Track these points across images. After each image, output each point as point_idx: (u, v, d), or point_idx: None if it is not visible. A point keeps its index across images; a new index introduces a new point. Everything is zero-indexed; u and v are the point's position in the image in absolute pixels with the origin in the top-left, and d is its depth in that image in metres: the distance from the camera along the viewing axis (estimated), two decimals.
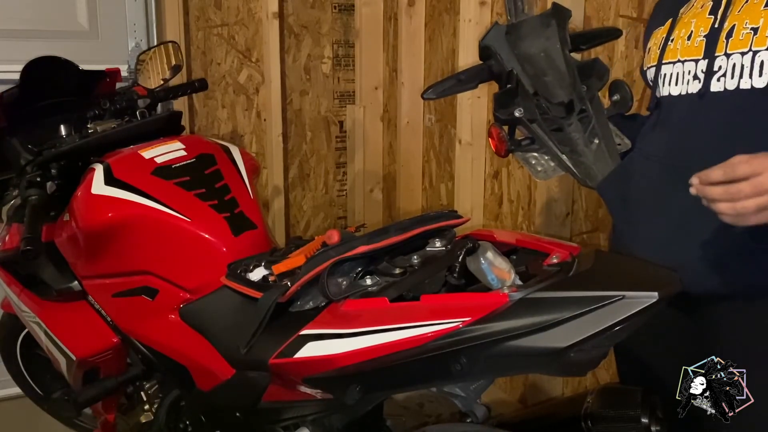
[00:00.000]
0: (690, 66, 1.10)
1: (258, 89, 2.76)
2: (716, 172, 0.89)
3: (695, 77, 1.08)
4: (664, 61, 1.15)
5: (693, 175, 1.04)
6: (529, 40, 1.00)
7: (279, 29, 2.69)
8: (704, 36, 1.08)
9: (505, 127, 1.09)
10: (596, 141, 1.01)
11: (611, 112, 1.08)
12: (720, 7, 1.07)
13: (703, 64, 1.07)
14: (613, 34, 1.06)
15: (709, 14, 1.09)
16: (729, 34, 1.04)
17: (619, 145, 1.07)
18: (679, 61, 1.12)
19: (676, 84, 1.13)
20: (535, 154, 1.08)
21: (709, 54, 1.06)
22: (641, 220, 1.17)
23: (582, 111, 1.01)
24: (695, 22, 1.11)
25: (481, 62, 1.09)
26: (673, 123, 1.13)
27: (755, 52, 1.00)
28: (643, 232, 1.16)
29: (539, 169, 1.09)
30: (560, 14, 1.00)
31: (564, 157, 1.03)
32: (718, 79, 1.05)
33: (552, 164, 1.09)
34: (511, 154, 1.09)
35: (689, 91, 1.10)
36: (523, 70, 1.00)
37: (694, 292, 1.08)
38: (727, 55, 1.04)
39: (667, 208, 1.12)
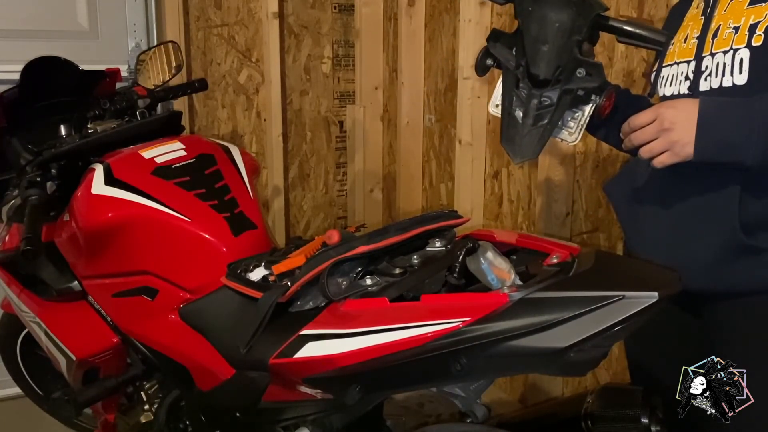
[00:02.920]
0: (683, 67, 1.13)
1: (258, 89, 2.76)
2: (634, 120, 1.07)
3: (686, 78, 1.12)
4: (664, 64, 1.19)
5: (690, 174, 1.05)
6: (549, 6, 1.02)
7: (279, 29, 2.69)
8: (696, 37, 1.11)
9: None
10: (540, 124, 1.03)
11: (598, 107, 1.09)
12: (708, 8, 1.10)
13: (693, 65, 1.11)
14: (657, 42, 1.05)
15: (701, 15, 1.12)
16: (715, 34, 1.07)
17: (570, 135, 1.09)
18: (675, 63, 1.15)
19: (670, 85, 1.16)
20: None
21: (698, 55, 1.10)
22: (645, 220, 1.18)
23: (554, 89, 1.02)
24: (691, 24, 1.14)
25: None
26: None
27: (735, 50, 1.03)
28: (647, 232, 1.17)
29: (497, 104, 1.12)
30: (588, 4, 1.01)
31: (508, 113, 1.06)
32: (705, 78, 1.08)
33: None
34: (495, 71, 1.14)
35: (680, 92, 1.13)
36: (527, 28, 1.02)
37: (698, 291, 1.08)
38: (712, 55, 1.07)
39: (670, 207, 1.13)
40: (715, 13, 1.08)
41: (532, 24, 1.02)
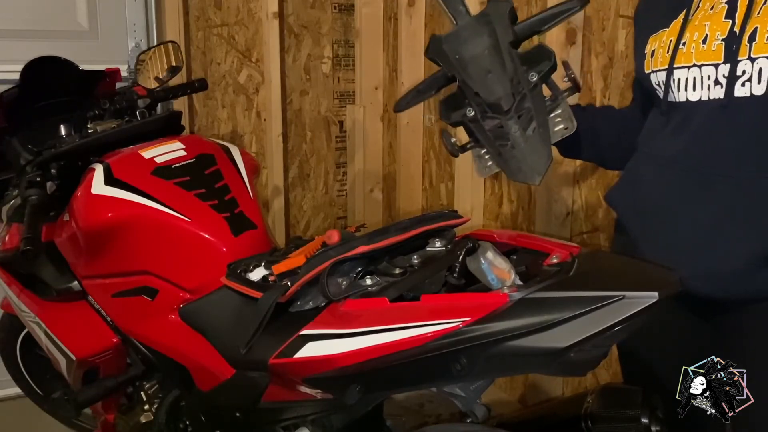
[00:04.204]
0: (709, 70, 1.07)
1: (258, 89, 2.76)
2: None
3: (717, 82, 1.06)
4: (676, 65, 1.12)
5: (719, 183, 1.02)
6: (470, 42, 1.02)
7: (279, 29, 2.69)
8: (722, 40, 1.05)
9: (452, 130, 1.12)
10: (532, 132, 1.01)
11: (571, 93, 1.08)
12: (736, 10, 1.05)
13: (724, 69, 1.05)
14: (571, 8, 1.00)
15: (726, 18, 1.06)
16: (752, 38, 1.01)
17: (566, 128, 1.06)
18: (695, 65, 1.09)
19: (695, 89, 1.10)
20: (484, 150, 1.09)
21: (731, 58, 1.03)
22: (662, 229, 1.15)
23: (522, 99, 1.01)
24: (710, 25, 1.08)
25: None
26: (693, 128, 1.10)
27: None
28: (663, 240, 1.14)
29: (489, 164, 1.10)
30: (497, 9, 1.01)
31: (499, 154, 1.04)
32: (743, 84, 1.02)
33: (491, 162, 1.10)
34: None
35: (711, 97, 1.07)
36: (465, 73, 1.02)
37: (721, 297, 1.07)
38: (752, 59, 1.01)
39: (692, 215, 1.09)
40: (750, 16, 1.02)
41: (467, 67, 1.01)
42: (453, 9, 1.04)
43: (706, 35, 1.08)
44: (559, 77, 1.05)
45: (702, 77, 1.09)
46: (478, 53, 1.01)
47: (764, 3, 1.02)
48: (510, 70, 0.99)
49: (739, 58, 1.03)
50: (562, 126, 1.06)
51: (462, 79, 1.02)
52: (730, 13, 1.06)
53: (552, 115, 1.05)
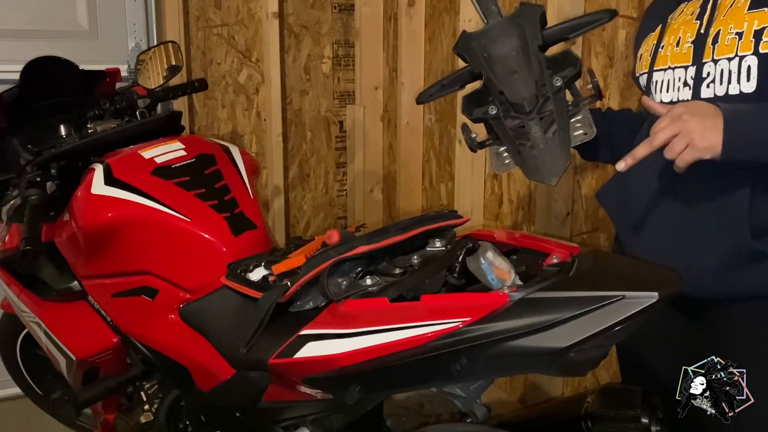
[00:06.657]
0: (680, 73, 1.10)
1: (258, 89, 2.76)
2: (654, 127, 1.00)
3: (685, 84, 1.09)
4: (655, 68, 1.16)
5: (692, 181, 1.04)
6: (499, 42, 1.04)
7: (279, 29, 2.69)
8: (692, 42, 1.08)
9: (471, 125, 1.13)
10: (552, 135, 1.02)
11: (592, 101, 1.09)
12: (705, 13, 1.08)
13: (692, 71, 1.08)
14: (599, 19, 1.02)
15: (696, 20, 1.09)
16: (715, 40, 1.04)
17: (585, 134, 1.07)
18: (669, 68, 1.13)
19: (668, 91, 1.13)
20: (502, 148, 1.11)
21: (697, 60, 1.07)
22: (644, 227, 1.17)
23: (545, 102, 1.02)
24: (683, 28, 1.11)
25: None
26: None
27: (741, 57, 1.01)
28: (646, 239, 1.16)
29: (507, 162, 1.11)
30: (528, 12, 1.03)
31: (518, 152, 1.05)
32: (708, 86, 1.06)
33: (509, 160, 1.11)
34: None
35: (680, 98, 1.10)
36: (491, 71, 1.03)
37: (701, 296, 1.08)
38: (715, 61, 1.04)
39: (669, 213, 1.11)
40: (714, 18, 1.06)
41: (494, 66, 1.03)
42: (485, 8, 1.06)
43: (679, 38, 1.11)
44: (581, 84, 1.06)
45: (674, 79, 1.12)
46: (506, 53, 1.02)
47: (731, 6, 1.04)
48: (536, 73, 1.01)
49: (703, 61, 1.06)
50: (581, 131, 1.07)
51: (488, 77, 1.04)
52: (700, 15, 1.09)
53: (572, 120, 1.06)
